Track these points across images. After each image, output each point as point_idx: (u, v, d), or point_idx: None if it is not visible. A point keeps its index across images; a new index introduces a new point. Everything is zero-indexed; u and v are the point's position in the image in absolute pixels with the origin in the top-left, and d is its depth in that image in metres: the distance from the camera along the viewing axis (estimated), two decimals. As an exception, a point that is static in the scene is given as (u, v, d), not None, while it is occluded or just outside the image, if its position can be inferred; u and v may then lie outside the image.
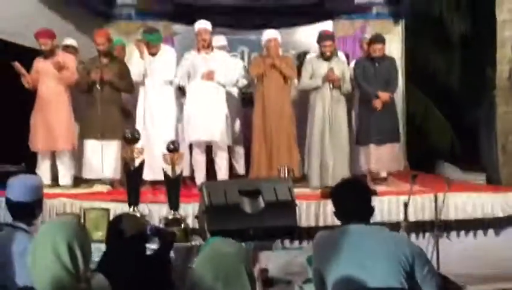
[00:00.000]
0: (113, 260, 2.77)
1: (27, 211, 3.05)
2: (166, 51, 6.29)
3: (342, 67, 6.25)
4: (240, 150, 6.87)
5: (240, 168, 6.83)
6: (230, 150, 6.56)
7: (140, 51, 6.15)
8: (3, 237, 2.93)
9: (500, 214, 5.47)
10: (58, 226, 2.14)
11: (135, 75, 6.19)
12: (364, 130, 6.22)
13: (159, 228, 3.52)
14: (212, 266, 2.11)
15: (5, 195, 3.10)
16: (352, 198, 2.74)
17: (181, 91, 6.33)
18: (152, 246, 3.38)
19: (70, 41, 6.77)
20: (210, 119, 6.01)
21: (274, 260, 3.48)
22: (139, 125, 6.00)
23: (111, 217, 4.59)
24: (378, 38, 6.28)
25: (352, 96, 6.52)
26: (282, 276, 3.23)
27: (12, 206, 3.06)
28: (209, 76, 5.99)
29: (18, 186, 3.07)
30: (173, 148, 4.53)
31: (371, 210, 2.74)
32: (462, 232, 5.48)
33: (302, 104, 6.54)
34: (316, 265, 2.66)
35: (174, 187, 4.56)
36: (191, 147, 6.28)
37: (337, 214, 2.78)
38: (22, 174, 3.34)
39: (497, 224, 5.50)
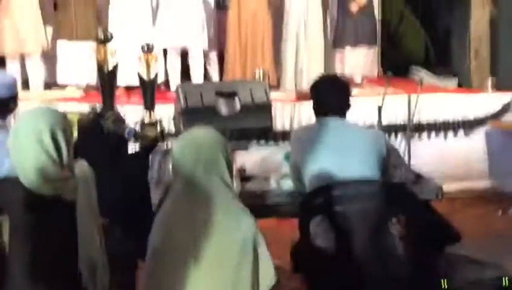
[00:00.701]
0: (90, 153, 2.77)
1: (1, 106, 3.02)
2: None
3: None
4: (213, 55, 6.77)
5: (214, 73, 6.76)
6: (204, 55, 6.48)
7: None
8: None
9: (471, 116, 5.59)
10: (40, 113, 2.12)
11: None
12: (340, 32, 6.19)
13: (137, 132, 3.51)
14: (191, 151, 2.13)
15: None
16: (332, 91, 2.78)
17: None
18: (130, 148, 3.40)
19: None
20: (186, 23, 5.88)
21: (250, 158, 3.52)
22: (111, 29, 5.85)
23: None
24: None
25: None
26: (259, 173, 3.29)
27: None
28: None
29: None
30: (148, 49, 4.44)
31: (348, 104, 2.78)
32: (433, 134, 5.60)
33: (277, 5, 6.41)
34: (293, 158, 2.72)
35: (149, 89, 4.50)
36: (164, 52, 6.18)
37: (315, 108, 2.82)
38: None
39: (467, 125, 5.63)
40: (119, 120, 3.26)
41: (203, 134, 2.20)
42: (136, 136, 3.30)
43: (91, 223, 2.18)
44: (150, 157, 3.30)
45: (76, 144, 2.57)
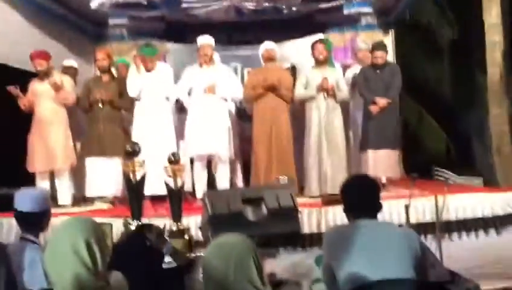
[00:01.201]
0: (127, 264, 2.77)
1: (35, 222, 3.09)
2: (163, 67, 6.37)
3: (336, 75, 6.34)
4: (238, 164, 6.89)
5: (239, 182, 6.85)
6: (230, 163, 6.59)
7: (137, 65, 6.20)
8: (15, 248, 2.95)
9: (500, 213, 5.51)
10: (75, 223, 2.16)
11: (131, 91, 6.22)
12: (363, 136, 6.29)
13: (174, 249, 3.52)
14: (221, 255, 2.12)
15: (14, 207, 3.12)
16: (362, 193, 2.77)
17: (178, 105, 6.37)
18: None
19: (70, 62, 6.84)
20: (212, 133, 6.06)
21: (280, 263, 3.49)
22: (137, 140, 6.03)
23: (114, 233, 4.61)
24: (380, 46, 6.38)
25: (347, 104, 6.59)
26: (290, 278, 3.24)
27: (21, 218, 3.09)
28: (211, 89, 6.06)
29: (26, 198, 3.11)
30: (174, 159, 4.56)
31: (379, 205, 2.77)
32: (464, 233, 5.51)
33: (298, 114, 6.58)
34: (326, 261, 2.68)
35: (176, 199, 4.58)
36: (191, 162, 6.30)
37: (346, 209, 2.80)
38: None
39: (497, 223, 5.53)
40: (162, 235, 3.32)
41: (231, 239, 2.20)
42: (172, 253, 3.33)
43: None
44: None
45: (117, 253, 2.61)
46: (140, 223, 4.01)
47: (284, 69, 6.90)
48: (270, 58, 6.38)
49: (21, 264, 2.87)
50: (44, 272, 2.82)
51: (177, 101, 6.39)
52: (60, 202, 6.10)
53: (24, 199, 3.11)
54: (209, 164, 6.26)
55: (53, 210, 5.51)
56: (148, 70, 6.19)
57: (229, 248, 2.15)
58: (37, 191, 3.26)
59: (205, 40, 6.22)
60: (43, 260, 2.14)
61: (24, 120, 6.09)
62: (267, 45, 6.44)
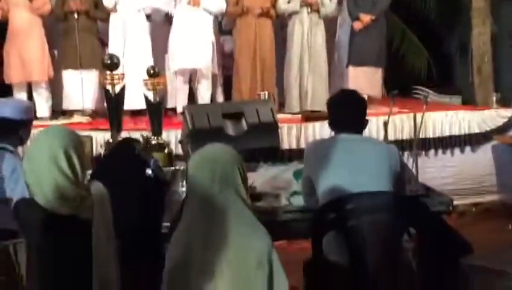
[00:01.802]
0: (118, 174, 2.78)
1: (16, 130, 3.06)
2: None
3: (321, -11, 6.19)
4: (219, 79, 6.82)
5: (220, 97, 6.81)
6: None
7: None
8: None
9: (477, 130, 5.61)
10: (54, 133, 2.14)
11: (107, 1, 6.04)
12: (344, 53, 6.25)
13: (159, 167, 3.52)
14: (207, 166, 2.09)
15: None
16: (349, 107, 2.78)
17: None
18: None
19: None
20: (196, 46, 5.95)
21: (260, 177, 3.52)
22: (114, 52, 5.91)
23: (94, 145, 4.61)
24: None
25: (335, 20, 6.49)
26: (269, 191, 3.28)
27: (1, 124, 3.06)
28: (195, 1, 5.90)
29: (9, 104, 3.09)
30: (153, 72, 4.48)
31: (364, 121, 2.79)
32: (440, 150, 5.61)
33: (280, 25, 6.49)
34: (306, 173, 2.72)
35: (156, 112, 4.52)
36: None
37: (331, 123, 2.82)
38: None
39: (473, 141, 5.63)
40: (147, 147, 3.32)
41: (217, 149, 2.17)
42: (156, 165, 3.33)
43: (106, 242, 2.19)
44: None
45: (104, 163, 2.61)
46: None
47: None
48: None
49: (0, 173, 2.86)
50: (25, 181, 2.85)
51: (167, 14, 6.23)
52: (38, 114, 6.02)
53: (7, 106, 3.08)
54: (191, 78, 6.20)
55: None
56: None
57: (214, 157, 2.12)
58: (22, 101, 3.23)
59: None
60: (23, 169, 2.14)
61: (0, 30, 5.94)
62: None
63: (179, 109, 6.03)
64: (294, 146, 5.31)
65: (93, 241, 2.12)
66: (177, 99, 6.17)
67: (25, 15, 5.85)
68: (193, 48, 5.93)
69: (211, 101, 6.37)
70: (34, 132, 5.04)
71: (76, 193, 2.09)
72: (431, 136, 5.55)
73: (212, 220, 2.07)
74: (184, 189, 3.05)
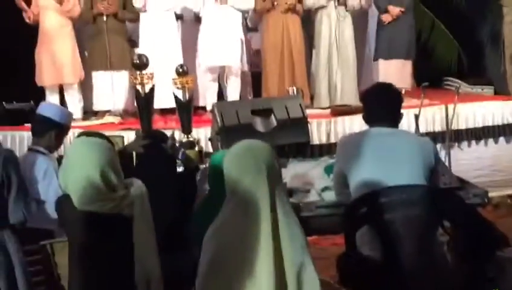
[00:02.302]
0: (150, 173, 2.82)
1: (50, 131, 3.11)
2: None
3: (348, -17, 6.14)
4: (248, 76, 6.82)
5: (249, 94, 6.80)
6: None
7: None
8: (26, 159, 3.00)
9: (510, 121, 5.50)
10: (89, 147, 2.21)
11: (136, 1, 6.08)
12: (375, 46, 6.20)
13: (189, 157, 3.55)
14: (251, 161, 1.99)
15: (37, 113, 3.18)
16: (385, 101, 2.75)
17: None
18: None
19: None
20: (225, 44, 5.96)
21: (290, 173, 3.51)
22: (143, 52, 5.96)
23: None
24: None
25: (365, 13, 6.44)
26: (300, 187, 3.27)
27: (40, 122, 3.14)
28: None
29: (52, 106, 3.20)
30: (182, 71, 4.51)
31: (399, 114, 2.76)
32: (473, 142, 5.52)
33: (308, 20, 6.45)
34: (339, 166, 2.70)
35: (185, 111, 4.57)
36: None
37: (366, 117, 2.79)
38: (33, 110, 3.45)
39: (507, 131, 5.53)
40: (175, 143, 3.36)
41: (255, 142, 2.09)
42: (186, 160, 3.36)
43: (148, 237, 2.24)
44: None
45: (136, 163, 2.66)
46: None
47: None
48: None
49: (33, 175, 2.92)
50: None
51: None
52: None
53: (50, 106, 3.19)
54: (220, 76, 6.21)
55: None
56: None
57: (258, 150, 2.04)
58: (64, 108, 3.36)
59: None
60: (60, 180, 2.20)
61: (32, 33, 6.02)
62: None
63: (209, 107, 6.05)
64: (324, 141, 5.29)
65: (134, 236, 2.16)
66: (207, 97, 6.19)
67: (55, 18, 5.92)
68: (222, 45, 5.94)
69: (240, 98, 6.37)
70: (74, 132, 5.24)
71: (114, 197, 2.16)
72: (463, 127, 5.46)
73: (257, 217, 1.98)
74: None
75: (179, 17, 6.41)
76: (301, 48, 6.21)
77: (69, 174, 2.17)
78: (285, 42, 6.09)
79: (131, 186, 2.24)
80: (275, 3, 6.04)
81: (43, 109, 3.25)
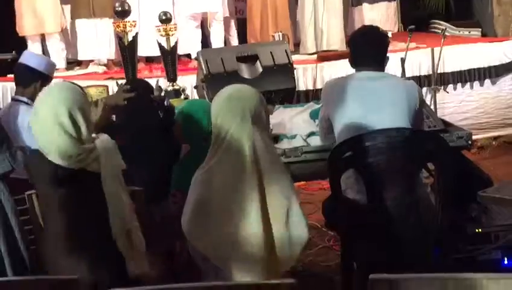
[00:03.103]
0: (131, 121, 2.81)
1: (35, 80, 3.08)
2: None
3: None
4: (232, 22, 6.74)
5: (234, 40, 6.74)
6: (224, 23, 6.45)
7: None
8: (8, 110, 2.97)
9: (496, 63, 5.49)
10: (58, 93, 2.17)
11: None
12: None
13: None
14: (237, 107, 2.02)
15: (20, 62, 3.15)
16: (371, 44, 2.73)
17: None
18: None
19: None
20: None
21: (276, 118, 3.51)
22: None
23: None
24: None
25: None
26: (286, 132, 3.28)
27: (24, 72, 3.11)
28: None
29: (36, 55, 3.15)
30: (166, 18, 4.44)
31: (385, 57, 2.75)
32: (459, 85, 5.52)
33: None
34: (324, 110, 2.70)
35: (170, 58, 4.53)
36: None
37: (351, 60, 2.78)
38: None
39: (492, 73, 5.52)
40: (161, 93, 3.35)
41: (242, 88, 2.12)
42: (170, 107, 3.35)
43: (118, 191, 2.22)
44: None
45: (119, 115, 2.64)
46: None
47: None
48: None
49: (18, 125, 2.90)
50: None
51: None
52: (54, 66, 6.05)
53: (34, 56, 3.15)
54: (203, 23, 6.12)
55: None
56: None
57: (245, 95, 2.07)
58: (48, 57, 3.31)
59: None
60: (31, 125, 2.18)
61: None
62: None
63: (193, 55, 5.98)
64: (310, 87, 5.27)
65: (104, 190, 2.16)
66: (190, 44, 6.11)
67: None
68: None
69: (225, 45, 6.31)
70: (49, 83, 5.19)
71: (81, 149, 2.13)
72: (449, 70, 5.44)
73: (244, 160, 2.01)
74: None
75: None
76: None
77: (38, 114, 2.14)
78: None
79: (98, 141, 2.22)
80: None
81: (26, 59, 3.21)
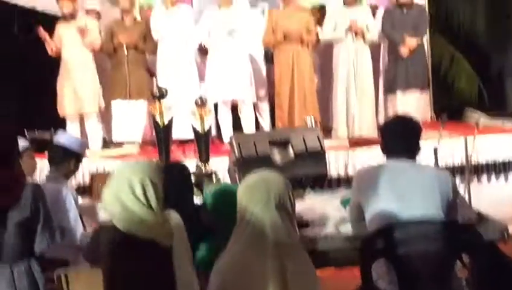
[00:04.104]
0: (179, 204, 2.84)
1: (66, 160, 3.16)
2: (184, 8, 6.33)
3: (366, 15, 6.18)
4: (264, 106, 6.86)
5: (266, 124, 6.84)
6: (256, 107, 6.57)
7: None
8: (46, 188, 3.02)
9: (532, 156, 5.43)
10: (132, 166, 2.28)
11: (155, 33, 6.19)
12: (391, 78, 6.20)
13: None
14: (262, 190, 2.08)
15: (54, 143, 3.24)
16: (404, 133, 2.73)
17: (202, 49, 6.34)
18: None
19: (92, 5, 6.76)
20: (234, 77, 6.00)
21: (306, 205, 3.50)
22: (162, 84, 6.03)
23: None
24: None
25: (378, 46, 6.46)
26: (317, 219, 3.25)
27: (57, 151, 3.20)
28: (232, 33, 5.98)
29: (68, 135, 3.26)
30: (201, 102, 4.55)
31: (417, 147, 2.73)
32: (493, 176, 5.44)
33: (327, 52, 6.47)
34: (356, 199, 2.68)
35: (203, 141, 4.60)
36: (215, 107, 6.29)
37: (385, 149, 2.77)
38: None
39: (529, 166, 5.45)
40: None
41: (270, 174, 2.17)
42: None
43: (189, 268, 2.29)
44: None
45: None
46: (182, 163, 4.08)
47: (306, 11, 6.72)
48: (287, 3, 6.20)
49: (53, 204, 2.94)
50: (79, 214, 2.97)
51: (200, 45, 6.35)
52: (90, 146, 6.18)
53: (67, 136, 3.25)
54: (234, 107, 6.25)
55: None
56: (172, 3, 6.10)
57: (268, 181, 2.12)
58: (79, 137, 3.45)
59: None
60: (103, 198, 2.25)
61: (55, 64, 6.13)
62: None
63: (225, 138, 6.07)
64: (342, 173, 5.26)
65: (175, 267, 2.20)
66: (222, 128, 6.22)
67: (77, 49, 6.04)
68: (231, 78, 5.98)
69: (256, 129, 6.39)
70: (86, 163, 5.29)
71: (154, 220, 2.18)
72: (483, 161, 5.39)
73: (266, 247, 2.03)
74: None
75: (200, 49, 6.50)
76: (311, 79, 6.21)
77: (113, 183, 2.23)
78: (295, 74, 6.07)
79: (169, 217, 2.29)
80: (280, 37, 6.06)
81: (59, 139, 3.32)
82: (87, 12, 6.61)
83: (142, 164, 2.31)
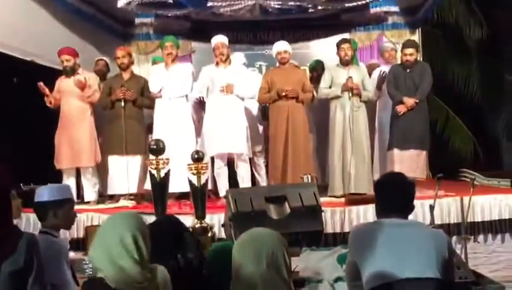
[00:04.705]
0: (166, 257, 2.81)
1: (49, 210, 3.13)
2: (183, 65, 6.42)
3: (361, 75, 6.28)
4: (261, 162, 6.89)
5: (262, 180, 6.85)
6: (252, 162, 6.59)
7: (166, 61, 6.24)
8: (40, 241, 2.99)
9: (529, 216, 5.42)
10: (123, 218, 2.23)
11: (153, 87, 6.24)
12: (389, 136, 6.25)
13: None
14: (253, 248, 2.09)
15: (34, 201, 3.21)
16: (397, 192, 2.71)
17: (199, 104, 6.42)
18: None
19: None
20: (230, 132, 6.05)
21: (303, 261, 3.47)
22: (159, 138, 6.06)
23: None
24: (410, 43, 6.40)
25: (374, 103, 6.54)
26: (313, 276, 3.22)
27: (37, 208, 3.18)
28: (228, 89, 6.06)
29: (43, 189, 3.21)
30: (198, 157, 4.56)
31: (411, 206, 2.72)
32: (490, 235, 5.43)
33: (323, 110, 6.54)
34: (351, 258, 2.65)
35: (200, 196, 4.58)
36: (212, 161, 6.31)
37: (377, 207, 2.76)
38: None
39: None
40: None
41: (263, 232, 2.18)
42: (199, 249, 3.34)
43: None
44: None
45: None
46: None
47: (301, 70, 6.83)
48: (283, 62, 6.32)
49: (44, 258, 2.90)
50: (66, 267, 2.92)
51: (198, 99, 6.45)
52: (85, 199, 6.18)
53: (42, 190, 3.19)
54: (229, 162, 6.26)
55: (79, 207, 5.70)
56: (172, 60, 6.21)
57: (260, 239, 2.13)
58: (56, 184, 3.39)
59: (218, 39, 6.21)
60: (90, 253, 2.21)
61: (53, 117, 6.18)
62: (279, 47, 6.37)
63: (221, 192, 6.07)
64: (338, 230, 5.23)
65: None
66: (218, 183, 6.22)
67: (76, 103, 6.10)
68: (227, 133, 6.03)
69: (252, 184, 6.39)
70: (81, 216, 5.25)
71: (143, 275, 2.15)
72: (479, 220, 5.39)
73: None
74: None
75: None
76: (306, 136, 6.26)
77: (101, 239, 2.18)
78: (290, 130, 6.12)
79: (156, 272, 2.25)
80: (274, 94, 6.15)
81: (37, 196, 3.22)
82: (98, 60, 6.73)
83: (132, 216, 2.27)
